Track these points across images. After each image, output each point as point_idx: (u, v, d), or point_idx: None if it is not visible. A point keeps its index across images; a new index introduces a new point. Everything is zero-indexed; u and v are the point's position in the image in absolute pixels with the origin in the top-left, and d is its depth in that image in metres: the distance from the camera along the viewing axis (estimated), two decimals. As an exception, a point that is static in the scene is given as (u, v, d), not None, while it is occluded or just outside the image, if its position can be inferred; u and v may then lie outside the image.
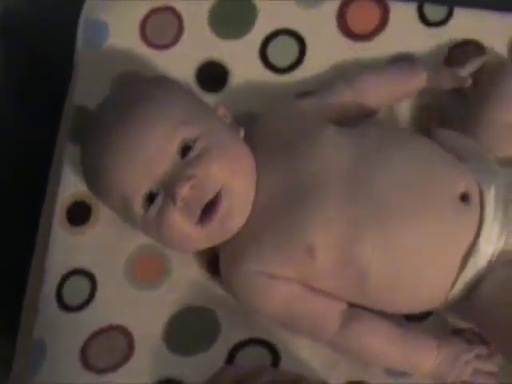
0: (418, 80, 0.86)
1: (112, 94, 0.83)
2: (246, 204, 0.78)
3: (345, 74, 0.89)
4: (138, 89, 0.81)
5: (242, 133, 0.82)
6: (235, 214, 0.77)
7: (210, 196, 0.75)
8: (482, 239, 0.75)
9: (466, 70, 0.85)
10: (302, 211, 0.76)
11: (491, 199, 0.76)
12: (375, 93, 0.86)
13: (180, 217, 0.75)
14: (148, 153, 0.75)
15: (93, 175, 0.81)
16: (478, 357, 0.78)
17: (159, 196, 0.76)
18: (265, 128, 0.84)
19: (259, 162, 0.80)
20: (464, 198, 0.76)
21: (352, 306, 0.78)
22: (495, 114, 0.82)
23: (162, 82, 0.82)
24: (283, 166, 0.79)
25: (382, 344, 0.77)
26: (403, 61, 0.90)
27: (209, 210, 0.75)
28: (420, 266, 0.75)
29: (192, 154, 0.76)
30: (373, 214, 0.75)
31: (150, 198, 0.76)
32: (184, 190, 0.74)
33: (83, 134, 0.84)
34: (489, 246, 0.75)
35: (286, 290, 0.77)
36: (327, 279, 0.77)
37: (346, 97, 0.86)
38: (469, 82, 0.84)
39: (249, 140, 0.82)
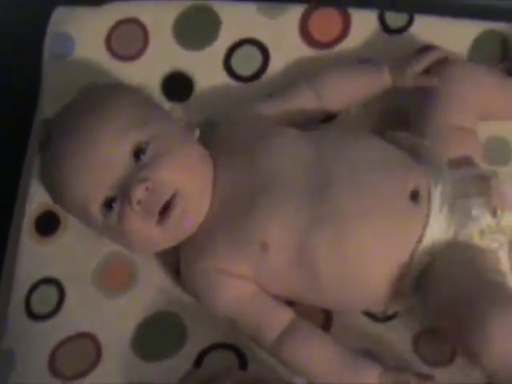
0: (382, 80, 0.87)
1: (66, 104, 0.83)
2: (201, 203, 0.79)
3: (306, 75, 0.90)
4: (90, 97, 0.82)
5: (196, 133, 0.83)
6: (190, 213, 0.78)
7: (165, 198, 0.76)
8: (427, 233, 0.76)
9: (421, 65, 0.86)
10: (257, 208, 0.77)
11: (437, 196, 0.77)
12: (337, 93, 0.88)
13: (139, 219, 0.77)
14: (100, 160, 0.77)
15: (51, 187, 0.83)
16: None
17: (117, 201, 0.77)
18: (225, 130, 0.86)
19: (219, 163, 0.82)
20: (414, 195, 0.77)
21: (305, 309, 0.80)
22: (445, 115, 0.84)
23: (114, 89, 0.84)
24: (241, 166, 0.80)
25: (316, 364, 0.77)
26: (367, 62, 0.91)
27: (166, 210, 0.77)
28: (372, 264, 0.77)
29: (145, 156, 0.77)
30: (327, 213, 0.76)
31: (109, 204, 0.77)
32: (139, 193, 0.75)
33: (41, 146, 0.85)
34: (434, 238, 0.77)
35: (239, 287, 0.79)
36: (281, 277, 0.78)
37: (307, 97, 0.87)
38: (435, 82, 0.85)
39: (210, 143, 0.84)
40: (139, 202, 0.75)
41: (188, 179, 0.78)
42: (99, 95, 0.82)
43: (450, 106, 0.84)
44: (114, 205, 0.77)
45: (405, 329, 0.82)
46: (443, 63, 0.86)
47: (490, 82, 0.87)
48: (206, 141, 0.84)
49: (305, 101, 0.87)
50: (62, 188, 0.80)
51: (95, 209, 0.78)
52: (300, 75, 0.90)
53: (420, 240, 0.76)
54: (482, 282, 0.72)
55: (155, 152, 0.77)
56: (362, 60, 0.91)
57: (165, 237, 0.79)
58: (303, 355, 0.77)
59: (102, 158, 0.76)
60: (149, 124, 0.78)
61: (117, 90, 0.83)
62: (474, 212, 0.77)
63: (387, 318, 0.83)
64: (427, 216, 0.77)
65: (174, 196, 0.77)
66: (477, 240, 0.77)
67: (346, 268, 0.76)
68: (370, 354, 0.80)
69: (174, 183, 0.77)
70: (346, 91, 0.88)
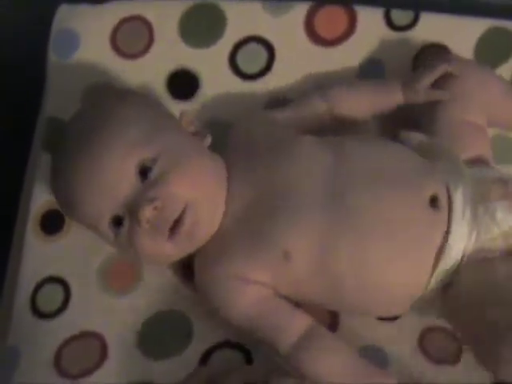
0: (394, 97, 0.87)
1: (76, 113, 0.83)
2: (213, 214, 0.79)
3: (320, 85, 0.90)
4: (96, 109, 0.81)
5: (208, 140, 0.83)
6: (202, 225, 0.77)
7: (174, 216, 0.76)
8: (451, 240, 0.76)
9: (431, 79, 0.86)
10: (278, 217, 0.77)
11: (459, 199, 0.77)
12: (349, 107, 0.87)
13: (149, 238, 0.76)
14: (107, 179, 0.76)
15: (61, 202, 0.83)
16: None
17: (126, 219, 0.77)
18: (239, 137, 0.85)
19: (232, 171, 0.81)
20: (433, 201, 0.77)
21: (312, 309, 0.79)
22: (455, 110, 0.84)
23: (121, 99, 0.82)
24: (260, 172, 0.79)
25: (333, 372, 0.76)
26: (378, 76, 0.92)
27: (176, 225, 0.76)
28: (393, 273, 0.76)
29: (152, 174, 0.76)
30: (347, 223, 0.75)
31: (118, 222, 0.77)
32: (147, 213, 0.74)
33: (53, 155, 0.85)
34: (458, 246, 0.76)
35: (256, 293, 0.77)
36: (301, 285, 0.77)
37: (320, 109, 0.87)
38: (446, 96, 0.84)
39: (223, 146, 0.83)
40: (148, 221, 0.75)
41: (198, 192, 0.77)
42: (105, 107, 0.80)
43: (460, 102, 0.83)
44: (123, 222, 0.77)
45: (411, 327, 0.82)
46: (452, 76, 0.85)
47: (497, 84, 0.87)
48: (215, 142, 0.84)
49: (317, 113, 0.86)
50: (71, 205, 0.79)
51: (105, 227, 0.78)
52: (308, 82, 0.91)
53: (443, 245, 0.76)
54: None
55: (163, 169, 0.76)
56: (367, 62, 0.92)
57: (177, 250, 0.78)
58: (321, 363, 0.75)
59: (110, 177, 0.76)
60: (155, 139, 0.77)
61: (123, 100, 0.82)
62: (499, 216, 0.76)
63: (394, 317, 0.83)
64: (449, 221, 0.76)
65: (183, 211, 0.76)
66: (500, 244, 0.77)
67: (367, 278, 0.76)
68: (376, 351, 0.80)
69: (183, 198, 0.76)
70: (358, 108, 0.87)
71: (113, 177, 0.76)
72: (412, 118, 0.87)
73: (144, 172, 0.76)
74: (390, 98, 0.87)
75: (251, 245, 0.77)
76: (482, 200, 0.77)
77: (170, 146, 0.77)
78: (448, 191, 0.77)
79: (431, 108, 0.85)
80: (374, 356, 0.79)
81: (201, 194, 0.77)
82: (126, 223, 0.77)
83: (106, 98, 0.83)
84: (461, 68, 0.85)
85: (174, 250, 0.78)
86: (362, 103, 0.87)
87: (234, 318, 0.78)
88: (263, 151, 0.81)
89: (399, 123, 0.87)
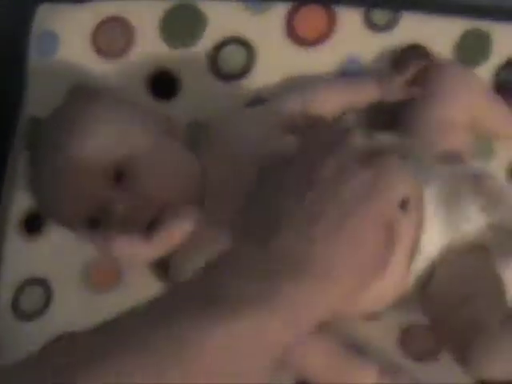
0: (369, 94, 0.89)
1: (51, 114, 0.83)
2: (189, 212, 0.79)
3: (298, 83, 0.91)
4: (73, 110, 0.82)
5: (185, 139, 0.83)
6: (179, 224, 0.78)
7: (149, 216, 0.76)
8: (424, 239, 0.77)
9: (406, 76, 0.86)
10: None
11: (430, 198, 0.77)
12: (324, 105, 0.88)
13: (123, 239, 0.76)
14: (81, 180, 0.76)
15: (39, 203, 0.84)
16: None
17: (101, 221, 0.77)
18: (217, 136, 0.85)
19: (211, 169, 0.81)
20: (403, 204, 0.77)
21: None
22: (432, 110, 0.85)
23: (93, 101, 0.83)
24: (238, 169, 0.80)
25: (320, 365, 0.78)
26: (356, 75, 0.92)
27: (152, 225, 0.77)
28: None
29: (127, 174, 0.77)
30: None
31: (93, 224, 0.78)
32: (122, 213, 0.75)
33: (30, 155, 0.85)
34: (432, 245, 0.77)
35: None
36: None
37: (295, 105, 0.87)
38: (419, 93, 0.85)
39: (199, 144, 0.83)
40: (123, 221, 0.75)
41: (172, 191, 0.77)
42: (79, 109, 0.81)
43: (440, 100, 0.84)
44: (99, 224, 0.77)
45: (391, 324, 0.83)
46: (429, 69, 0.86)
47: (481, 87, 0.88)
48: (193, 141, 0.84)
49: (293, 109, 0.87)
50: (47, 207, 0.81)
51: (80, 230, 0.78)
52: (288, 82, 0.91)
53: (416, 243, 0.77)
54: (482, 297, 0.73)
55: (135, 170, 0.77)
56: (347, 62, 0.92)
57: (154, 252, 0.79)
58: (308, 359, 0.78)
59: (84, 178, 0.76)
60: (129, 140, 0.78)
61: (96, 101, 0.83)
62: (470, 213, 0.77)
63: (374, 316, 0.84)
64: (419, 227, 0.77)
65: (160, 211, 0.76)
66: (473, 240, 0.78)
67: None
68: (358, 350, 0.81)
69: (157, 198, 0.76)
70: (333, 104, 0.88)
71: (87, 178, 0.76)
72: (390, 115, 0.88)
73: (118, 173, 0.76)
74: (366, 95, 0.89)
75: None
76: (455, 197, 0.78)
77: (143, 147, 0.78)
78: (419, 191, 0.77)
79: (409, 105, 0.85)
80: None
81: (175, 195, 0.77)
82: (102, 225, 0.77)
83: (80, 99, 0.84)
84: (444, 67, 0.86)
85: (151, 251, 0.78)
86: (336, 100, 0.88)
87: None
88: (240, 149, 0.81)
89: (377, 122, 0.88)
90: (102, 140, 0.77)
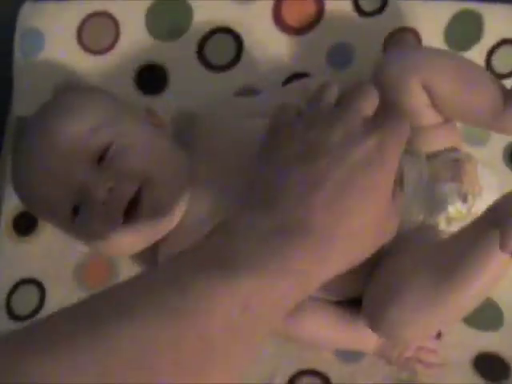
0: None
1: (37, 109, 0.82)
2: (172, 200, 0.77)
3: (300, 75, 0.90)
4: (55, 101, 0.81)
5: (168, 129, 0.82)
6: (161, 209, 0.76)
7: (129, 196, 0.74)
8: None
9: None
10: None
11: (411, 180, 0.76)
12: None
13: (105, 223, 0.75)
14: (62, 165, 0.75)
15: (24, 197, 0.82)
16: None
17: (82, 204, 0.75)
18: (206, 127, 0.84)
19: (201, 161, 0.80)
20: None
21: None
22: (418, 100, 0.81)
23: (81, 92, 0.83)
24: (230, 162, 0.79)
25: (325, 328, 0.78)
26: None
27: (133, 208, 0.75)
28: None
29: (107, 158, 0.75)
30: None
31: (74, 210, 0.76)
32: (100, 194, 0.73)
33: (13, 150, 0.85)
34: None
35: None
36: None
37: (297, 91, 0.86)
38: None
39: (189, 139, 0.82)
40: (103, 203, 0.73)
41: (155, 171, 0.75)
42: (62, 99, 0.81)
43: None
44: (79, 211, 0.75)
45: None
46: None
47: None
48: (182, 133, 0.83)
49: (295, 95, 0.85)
50: (31, 197, 0.79)
51: (61, 218, 0.77)
52: (275, 70, 0.90)
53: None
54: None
55: (117, 152, 0.75)
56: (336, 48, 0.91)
57: (136, 238, 0.77)
58: (313, 326, 0.78)
59: (64, 162, 0.75)
60: (113, 125, 0.76)
61: (79, 92, 0.82)
62: (444, 197, 0.76)
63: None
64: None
65: (139, 191, 0.74)
66: (443, 226, 0.77)
67: None
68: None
69: (137, 178, 0.74)
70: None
71: (67, 162, 0.74)
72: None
73: (101, 156, 0.75)
74: None
75: None
76: (434, 181, 0.77)
77: (128, 132, 0.77)
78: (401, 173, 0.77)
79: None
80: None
81: (157, 175, 0.75)
82: (83, 209, 0.75)
83: (62, 93, 0.84)
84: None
85: (133, 238, 0.76)
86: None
87: None
88: (233, 142, 0.80)
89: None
90: (85, 123, 0.76)
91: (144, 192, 0.74)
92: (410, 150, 0.78)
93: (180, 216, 0.78)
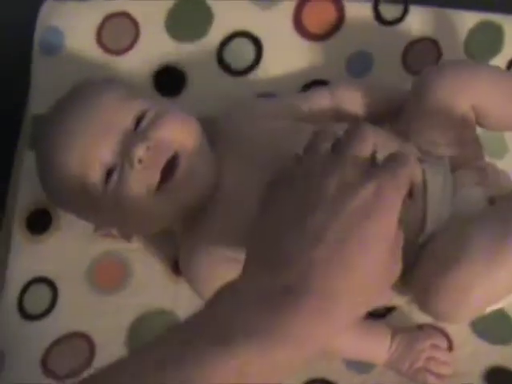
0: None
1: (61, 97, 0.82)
2: (204, 171, 0.77)
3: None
4: (85, 86, 0.81)
5: None
6: (195, 174, 0.76)
7: (166, 155, 0.74)
8: (427, 225, 0.75)
9: None
10: None
11: (435, 187, 0.75)
12: (355, 101, 0.86)
13: (140, 182, 0.74)
14: (101, 125, 0.75)
15: (47, 167, 0.79)
16: (433, 346, 0.79)
17: (117, 167, 0.75)
18: (231, 124, 0.84)
19: (224, 157, 0.80)
20: (411, 192, 0.76)
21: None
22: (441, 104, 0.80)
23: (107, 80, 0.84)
24: (256, 161, 0.78)
25: (339, 337, 0.76)
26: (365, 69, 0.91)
27: (169, 174, 0.75)
28: None
29: (144, 122, 0.75)
30: None
31: (109, 171, 0.75)
32: (140, 150, 0.73)
33: (37, 138, 0.84)
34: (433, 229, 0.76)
35: None
36: None
37: (325, 105, 0.85)
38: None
39: (212, 136, 0.82)
40: (140, 161, 0.73)
41: (189, 138, 0.76)
42: (96, 81, 0.81)
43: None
44: (114, 172, 0.75)
45: (404, 322, 0.82)
46: None
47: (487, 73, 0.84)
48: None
49: (321, 107, 0.85)
50: (59, 160, 0.76)
51: (93, 176, 0.75)
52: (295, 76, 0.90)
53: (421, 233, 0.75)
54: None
55: (154, 117, 0.76)
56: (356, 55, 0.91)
57: (165, 204, 0.76)
58: None
59: (103, 123, 0.75)
60: (146, 97, 0.78)
61: (110, 81, 0.83)
62: (473, 202, 0.76)
63: (386, 311, 0.83)
64: (424, 209, 0.75)
65: (175, 155, 0.75)
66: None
67: None
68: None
69: (174, 142, 0.75)
70: (361, 109, 0.86)
71: (109, 123, 0.75)
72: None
73: (139, 120, 0.76)
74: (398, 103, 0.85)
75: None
76: (459, 187, 0.77)
77: (160, 102, 0.79)
78: (424, 180, 0.76)
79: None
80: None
81: (192, 143, 0.76)
82: (117, 171, 0.74)
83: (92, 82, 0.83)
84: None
85: (163, 203, 0.76)
86: (364, 100, 0.86)
87: None
88: (259, 141, 0.80)
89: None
90: (121, 92, 0.77)
91: (180, 156, 0.75)
92: (432, 158, 0.78)
93: (211, 185, 0.78)
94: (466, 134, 0.79)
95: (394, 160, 0.60)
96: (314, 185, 0.59)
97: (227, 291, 0.56)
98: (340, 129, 0.77)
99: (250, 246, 0.61)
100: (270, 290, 0.54)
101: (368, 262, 0.56)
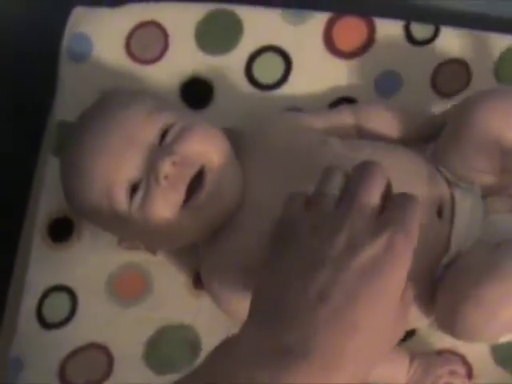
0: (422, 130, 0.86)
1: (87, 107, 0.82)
2: (232, 181, 0.77)
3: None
4: (111, 96, 0.81)
5: None
6: (222, 190, 0.75)
7: (193, 171, 0.74)
8: (452, 246, 0.75)
9: None
10: None
11: (463, 210, 0.76)
12: (380, 121, 0.86)
13: (166, 198, 0.73)
14: (126, 140, 0.74)
15: (71, 180, 0.79)
16: (452, 373, 0.78)
17: (142, 183, 0.74)
18: (258, 137, 0.83)
19: (250, 170, 0.79)
20: (439, 211, 0.76)
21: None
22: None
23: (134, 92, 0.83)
24: (283, 174, 0.78)
25: None
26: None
27: (195, 190, 0.74)
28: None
29: (169, 137, 0.75)
30: None
31: (134, 187, 0.74)
32: (166, 166, 0.72)
33: (62, 147, 0.83)
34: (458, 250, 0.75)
35: None
36: None
37: (348, 123, 0.85)
38: None
39: (238, 148, 0.81)
40: (166, 178, 0.72)
41: (216, 152, 0.75)
42: (122, 92, 0.81)
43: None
44: (139, 187, 0.74)
45: (424, 347, 0.81)
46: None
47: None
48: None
49: (345, 125, 0.85)
50: (84, 174, 0.76)
51: (120, 193, 0.74)
52: (324, 93, 0.90)
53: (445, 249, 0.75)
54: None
55: (179, 131, 0.75)
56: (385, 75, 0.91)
57: (192, 220, 0.75)
58: None
59: (128, 138, 0.74)
60: (173, 110, 0.78)
61: (137, 93, 0.82)
62: (504, 228, 0.75)
63: (406, 335, 0.82)
64: (450, 230, 0.75)
65: (202, 169, 0.74)
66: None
67: None
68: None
69: (200, 156, 0.74)
70: (384, 132, 0.85)
71: (134, 138, 0.74)
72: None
73: (164, 135, 0.75)
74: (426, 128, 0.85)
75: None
76: (490, 213, 0.76)
77: (185, 115, 0.78)
78: (452, 201, 0.76)
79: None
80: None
81: (218, 157, 0.75)
82: (143, 187, 0.74)
83: (113, 93, 0.83)
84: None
85: (189, 220, 0.75)
86: (389, 130, 0.85)
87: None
88: (286, 154, 0.79)
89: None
90: (148, 105, 0.76)
91: (206, 172, 0.74)
92: (464, 183, 0.78)
93: (238, 201, 0.77)
94: (507, 164, 0.79)
95: (403, 205, 0.59)
96: (320, 241, 0.58)
97: (228, 348, 0.55)
98: (361, 148, 0.79)
99: (254, 299, 0.60)
100: (270, 351, 0.53)
101: (376, 321, 0.55)
